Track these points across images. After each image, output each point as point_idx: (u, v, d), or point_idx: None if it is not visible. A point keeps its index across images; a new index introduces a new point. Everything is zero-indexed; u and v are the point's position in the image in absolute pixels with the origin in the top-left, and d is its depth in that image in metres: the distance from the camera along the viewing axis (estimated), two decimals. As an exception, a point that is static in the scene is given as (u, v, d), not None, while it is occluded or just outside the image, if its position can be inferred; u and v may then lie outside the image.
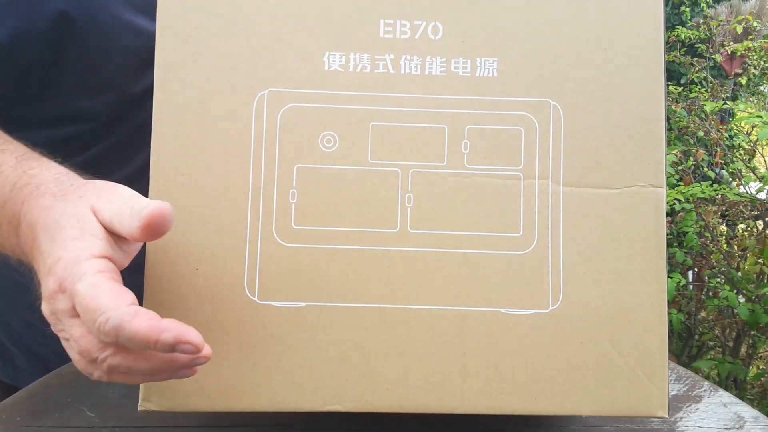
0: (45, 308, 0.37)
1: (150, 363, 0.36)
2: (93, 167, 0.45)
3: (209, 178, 0.43)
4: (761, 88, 2.69)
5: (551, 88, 0.44)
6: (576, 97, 0.44)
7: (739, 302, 1.01)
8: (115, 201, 0.37)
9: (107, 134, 0.65)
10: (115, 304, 0.34)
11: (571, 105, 0.44)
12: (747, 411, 0.60)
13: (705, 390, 0.64)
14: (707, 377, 1.03)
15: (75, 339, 0.36)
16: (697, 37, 2.74)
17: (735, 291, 1.04)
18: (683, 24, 3.50)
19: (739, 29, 2.67)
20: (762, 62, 2.41)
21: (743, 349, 1.07)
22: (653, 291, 0.43)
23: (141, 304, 0.36)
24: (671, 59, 2.34)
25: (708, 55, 2.66)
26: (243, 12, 0.44)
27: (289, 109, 0.44)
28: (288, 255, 0.42)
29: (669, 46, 3.01)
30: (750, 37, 2.68)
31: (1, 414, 0.59)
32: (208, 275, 0.42)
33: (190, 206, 0.43)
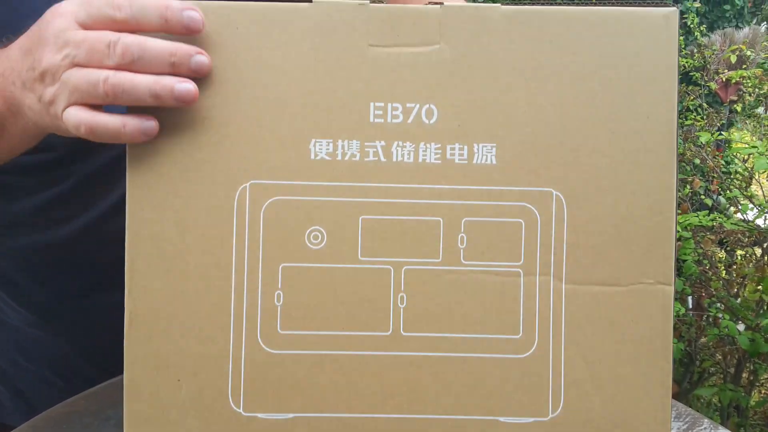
0: (47, 58, 0.38)
1: (161, 47, 0.38)
2: (76, 197, 0.44)
3: (188, 281, 0.40)
4: (757, 110, 2.68)
5: (553, 177, 0.41)
6: (580, 186, 0.41)
7: (739, 331, 1.00)
8: None
9: (77, 162, 0.62)
10: None
11: (575, 195, 0.41)
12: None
13: (705, 428, 0.63)
14: (709, 404, 1.03)
15: (82, 40, 0.38)
16: (691, 65, 2.74)
17: (735, 319, 1.03)
18: (677, 52, 3.55)
19: (733, 59, 2.68)
20: (757, 90, 2.38)
21: (745, 376, 1.07)
22: (657, 396, 0.41)
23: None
24: None
25: (703, 83, 2.65)
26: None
27: (273, 203, 0.41)
28: (274, 362, 0.40)
29: None
30: (744, 66, 2.67)
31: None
32: (191, 386, 0.40)
33: (169, 312, 0.40)
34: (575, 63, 0.41)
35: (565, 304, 0.41)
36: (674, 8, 0.41)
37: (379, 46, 0.41)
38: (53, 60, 0.39)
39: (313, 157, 0.41)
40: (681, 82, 2.70)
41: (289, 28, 0.40)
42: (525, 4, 0.41)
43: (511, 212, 0.41)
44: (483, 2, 0.42)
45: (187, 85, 0.39)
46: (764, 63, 2.89)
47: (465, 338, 0.41)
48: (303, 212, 0.41)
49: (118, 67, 0.39)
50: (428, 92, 0.41)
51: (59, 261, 0.65)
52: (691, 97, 2.40)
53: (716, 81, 2.71)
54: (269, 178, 0.41)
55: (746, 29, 3.67)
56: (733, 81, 2.62)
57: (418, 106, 0.41)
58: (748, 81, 2.39)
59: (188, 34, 0.39)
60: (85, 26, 0.39)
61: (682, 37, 3.67)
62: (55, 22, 0.39)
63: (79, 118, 0.40)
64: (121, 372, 0.53)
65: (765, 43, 3.29)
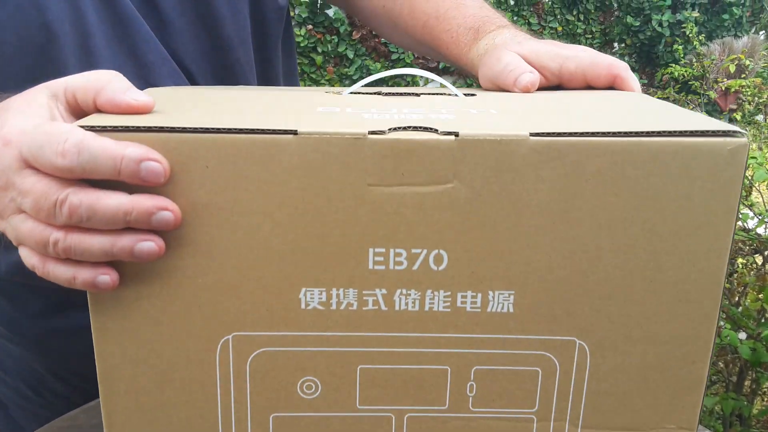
0: None
1: (114, 208, 0.32)
2: None
3: (172, 437, 0.37)
4: (757, 117, 2.57)
5: (578, 326, 0.36)
6: (607, 336, 0.36)
7: (741, 341, 0.97)
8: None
9: None
10: (73, 127, 0.32)
11: (601, 344, 0.36)
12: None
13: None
14: (711, 413, 1.03)
15: (27, 191, 0.32)
16: (690, 74, 2.68)
17: (736, 328, 0.99)
18: (676, 62, 3.46)
19: (732, 68, 2.58)
20: (756, 98, 2.31)
21: (747, 385, 1.05)
22: None
23: None
24: (665, 96, 2.27)
25: (702, 92, 2.61)
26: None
27: (260, 354, 0.36)
28: None
29: (663, 84, 2.95)
30: (743, 75, 2.61)
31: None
32: None
33: (154, 469, 0.37)
34: (615, 204, 0.34)
35: (579, 450, 0.38)
36: (743, 139, 0.33)
37: (380, 186, 0.33)
38: None
39: (303, 306, 0.36)
40: (680, 91, 2.67)
41: (270, 166, 0.33)
42: (559, 135, 0.33)
43: (528, 360, 0.37)
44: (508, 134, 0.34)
45: (148, 244, 0.33)
46: (763, 72, 2.89)
47: None
48: (294, 363, 0.36)
49: (68, 228, 0.32)
50: (437, 237, 0.34)
51: (29, 279, 0.60)
52: (691, 106, 2.36)
53: (715, 90, 2.75)
54: (254, 330, 0.36)
55: (745, 38, 3.59)
56: (732, 90, 2.57)
57: (425, 251, 0.35)
58: (747, 90, 2.33)
59: (148, 185, 0.32)
60: (30, 165, 0.33)
61: (680, 47, 3.51)
62: (2, 152, 0.33)
63: (29, 262, 0.34)
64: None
65: (763, 52, 3.22)
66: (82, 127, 0.32)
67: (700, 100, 2.59)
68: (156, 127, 0.32)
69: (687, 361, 0.37)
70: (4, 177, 0.33)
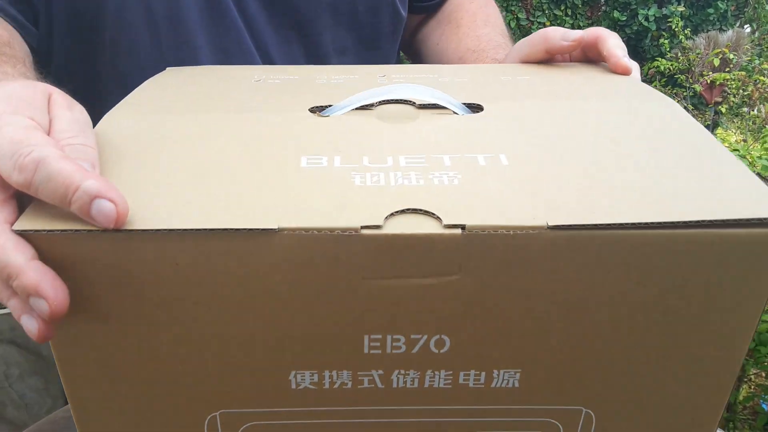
0: None
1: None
2: None
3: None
4: (743, 109, 2.52)
5: (586, 396, 0.34)
6: (616, 405, 0.34)
7: None
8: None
9: None
10: (44, 142, 0.29)
11: (608, 412, 0.35)
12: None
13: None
14: None
15: None
16: (676, 68, 2.68)
17: None
18: (663, 56, 3.49)
19: (716, 62, 2.54)
20: (741, 91, 2.31)
21: None
22: None
23: None
24: None
25: (688, 85, 2.62)
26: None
27: (251, 427, 0.34)
28: None
29: (649, 78, 2.83)
30: (728, 68, 2.58)
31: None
32: None
33: None
34: (636, 293, 0.30)
35: (578, 495, 0.38)
36: (787, 228, 0.29)
37: (376, 279, 0.30)
38: None
39: (294, 387, 0.33)
40: (666, 84, 2.66)
41: (249, 263, 0.29)
42: (582, 228, 0.28)
43: (531, 426, 0.35)
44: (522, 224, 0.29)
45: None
46: (747, 65, 2.83)
47: None
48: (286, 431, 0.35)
49: None
50: (439, 324, 0.31)
51: None
52: (677, 99, 2.35)
53: (701, 83, 2.66)
54: (242, 408, 0.34)
55: (730, 32, 3.45)
56: (718, 83, 2.51)
57: (425, 337, 0.32)
58: (732, 83, 2.34)
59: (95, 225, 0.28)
60: None
61: (666, 41, 3.47)
62: None
63: None
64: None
65: (747, 45, 3.19)
66: (21, 231, 0.28)
67: (685, 93, 2.62)
68: (111, 229, 0.28)
69: (695, 424, 0.35)
70: None
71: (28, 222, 0.28)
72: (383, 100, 0.40)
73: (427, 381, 0.33)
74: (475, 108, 0.40)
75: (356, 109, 0.39)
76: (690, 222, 0.29)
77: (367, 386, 0.33)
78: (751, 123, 2.46)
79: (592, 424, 0.35)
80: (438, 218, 0.29)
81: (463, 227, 0.28)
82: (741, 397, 1.06)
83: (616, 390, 0.34)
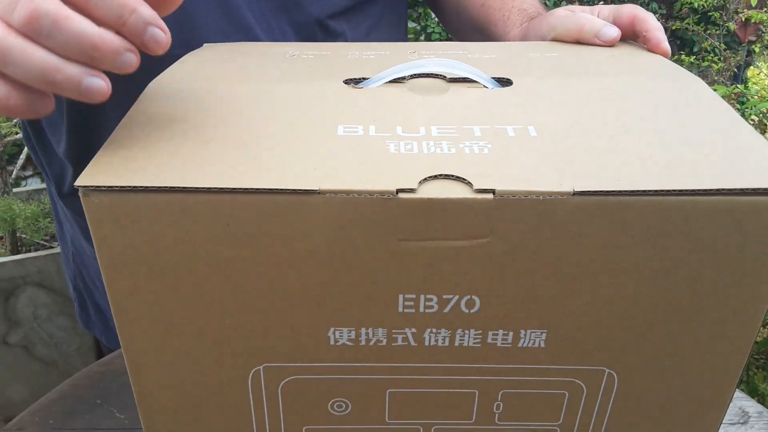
0: None
1: (81, 32, 0.29)
2: None
3: (211, 449, 0.39)
4: None
5: (609, 357, 0.36)
6: (637, 366, 0.36)
7: None
8: None
9: None
10: None
11: (630, 372, 0.36)
12: (752, 406, 0.64)
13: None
14: None
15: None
16: (710, 4, 2.49)
17: None
18: None
19: (753, 1, 2.34)
20: None
21: None
22: None
23: None
24: (683, 27, 2.18)
25: (722, 23, 2.48)
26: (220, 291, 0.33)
27: (291, 381, 0.37)
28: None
29: (681, 15, 2.70)
30: (765, 8, 2.42)
31: (33, 416, 0.64)
32: None
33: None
34: (660, 257, 0.32)
35: (599, 454, 0.40)
36: (808, 195, 0.30)
37: (411, 241, 0.32)
38: None
39: (333, 343, 0.35)
40: (698, 22, 2.51)
41: (293, 222, 0.31)
42: (606, 194, 0.30)
43: (555, 385, 0.37)
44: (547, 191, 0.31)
45: (98, 82, 0.30)
46: None
47: None
48: (325, 387, 0.37)
49: (20, 33, 0.29)
50: (470, 284, 0.33)
51: None
52: (708, 41, 2.30)
53: (735, 21, 2.48)
54: (284, 361, 0.36)
55: None
56: (753, 21, 2.36)
57: (456, 297, 0.34)
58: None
59: (145, 50, 0.31)
60: None
61: None
62: None
63: None
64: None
65: None
66: (85, 186, 0.30)
67: (718, 32, 2.49)
68: (169, 187, 0.30)
69: (714, 386, 0.37)
70: None
71: (89, 178, 0.30)
72: (415, 74, 0.41)
73: (457, 340, 0.35)
74: (504, 82, 0.41)
75: (389, 82, 0.41)
76: (711, 190, 0.30)
77: (400, 344, 0.35)
78: None
79: (615, 385, 0.37)
80: (469, 183, 0.31)
81: (493, 192, 0.30)
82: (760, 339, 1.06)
83: (638, 352, 0.35)
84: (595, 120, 0.36)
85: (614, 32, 0.48)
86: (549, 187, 0.30)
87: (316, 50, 0.48)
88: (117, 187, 0.30)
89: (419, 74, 0.41)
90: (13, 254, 1.26)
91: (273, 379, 0.37)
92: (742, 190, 0.30)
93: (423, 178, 0.31)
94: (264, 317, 0.34)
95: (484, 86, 0.40)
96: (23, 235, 1.29)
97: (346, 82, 0.41)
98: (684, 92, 0.40)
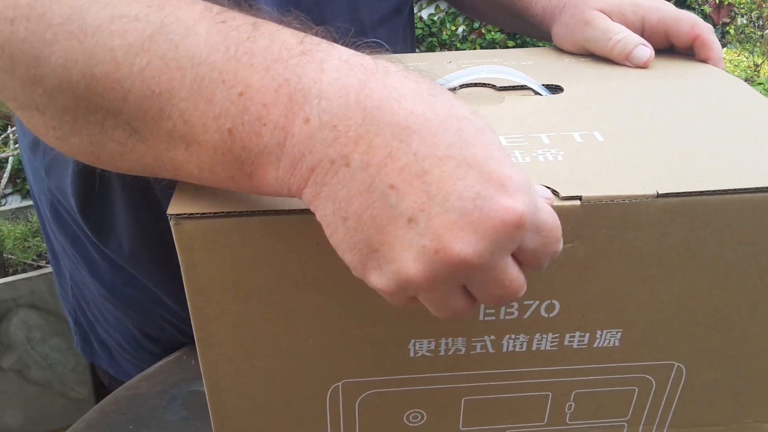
0: (445, 262, 0.25)
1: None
2: None
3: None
4: (749, 29, 2.43)
5: (680, 352, 0.37)
6: (704, 357, 0.37)
7: None
8: None
9: None
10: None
11: (697, 364, 0.37)
12: None
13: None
14: None
15: (503, 287, 0.27)
16: None
17: None
18: None
19: None
20: (751, 12, 2.25)
21: None
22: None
23: None
24: None
25: (697, 6, 2.53)
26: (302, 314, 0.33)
27: (369, 396, 0.37)
28: None
29: None
30: None
31: (67, 448, 0.63)
32: None
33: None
34: (735, 251, 0.33)
35: (665, 444, 0.41)
36: None
37: (497, 250, 0.32)
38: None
39: (412, 355, 0.36)
40: (675, 4, 2.48)
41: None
42: (689, 195, 0.31)
43: (626, 382, 0.38)
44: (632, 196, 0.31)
45: None
46: None
47: None
48: (402, 399, 0.37)
49: None
50: (551, 290, 0.34)
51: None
52: None
53: (709, 4, 2.54)
54: (363, 377, 0.36)
55: None
56: (726, 3, 2.44)
57: (537, 302, 0.34)
58: (742, 5, 2.29)
59: None
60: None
61: None
62: (509, 231, 0.25)
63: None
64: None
65: None
66: (176, 215, 0.30)
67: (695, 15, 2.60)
68: (261, 210, 0.30)
69: (776, 372, 0.38)
70: (492, 259, 0.25)
71: (179, 207, 0.30)
72: (464, 84, 0.42)
73: (535, 344, 0.36)
74: (553, 88, 0.42)
75: None
76: None
77: (479, 351, 0.36)
78: (761, 45, 2.42)
79: (683, 377, 0.38)
80: (555, 191, 0.31)
81: (580, 198, 0.31)
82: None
83: (706, 344, 0.37)
84: (654, 122, 0.37)
85: (646, 55, 0.45)
86: (633, 191, 0.31)
87: None
88: (210, 213, 0.30)
89: (468, 84, 0.42)
90: (0, 276, 1.23)
91: (351, 394, 0.37)
92: (816, 184, 0.31)
93: None
94: (346, 335, 0.34)
95: (537, 93, 0.41)
96: (10, 256, 1.26)
97: None
98: (731, 93, 0.41)
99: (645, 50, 0.45)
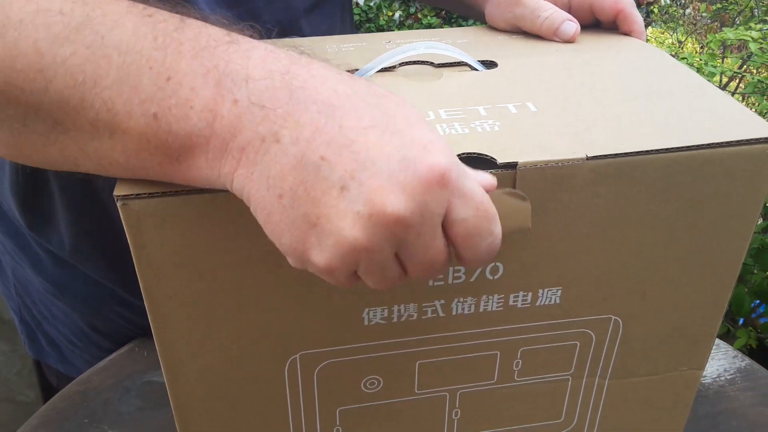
0: (380, 222, 0.26)
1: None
2: None
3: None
4: (673, 8, 2.53)
5: (616, 306, 0.39)
6: (639, 311, 0.40)
7: None
8: None
9: None
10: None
11: (633, 317, 0.40)
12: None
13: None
14: None
15: (433, 255, 0.28)
16: None
17: None
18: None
19: None
20: None
21: None
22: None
23: None
24: None
25: None
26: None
27: (326, 365, 0.38)
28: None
29: None
30: None
31: (22, 444, 0.62)
32: None
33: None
34: (663, 209, 0.35)
35: (605, 394, 0.44)
36: (782, 141, 0.34)
37: (442, 217, 0.33)
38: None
39: (367, 323, 0.37)
40: None
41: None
42: (616, 156, 0.33)
43: (568, 337, 0.40)
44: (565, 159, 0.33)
45: None
46: None
47: (512, 429, 0.44)
48: (358, 367, 0.39)
49: None
50: (495, 252, 0.35)
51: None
52: None
53: None
54: (319, 347, 0.37)
55: None
56: None
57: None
58: None
59: None
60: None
61: None
62: (432, 190, 0.26)
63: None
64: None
65: None
66: (123, 196, 0.30)
67: None
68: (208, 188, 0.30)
69: (704, 320, 0.41)
70: (422, 221, 0.27)
71: (125, 188, 0.30)
72: (403, 62, 0.43)
73: (482, 306, 0.38)
74: (488, 64, 0.44)
75: (379, 71, 0.42)
76: (704, 144, 0.34)
77: (430, 316, 0.37)
78: (684, 24, 2.53)
79: (620, 330, 0.41)
80: (493, 159, 0.33)
81: (515, 165, 0.33)
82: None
83: (639, 297, 0.39)
84: (582, 91, 0.39)
85: (572, 30, 0.47)
86: (564, 155, 0.33)
87: (295, 45, 0.48)
88: (157, 192, 0.30)
89: (408, 61, 0.43)
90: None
91: (309, 365, 0.38)
92: (728, 142, 0.34)
93: None
94: (302, 307, 0.35)
95: (473, 68, 0.42)
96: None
97: None
98: (652, 62, 0.43)
99: (571, 25, 0.47)
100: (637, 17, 0.48)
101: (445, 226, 0.28)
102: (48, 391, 1.32)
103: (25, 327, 0.76)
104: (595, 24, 0.51)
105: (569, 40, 0.47)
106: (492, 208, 0.29)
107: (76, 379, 0.67)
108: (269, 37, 0.31)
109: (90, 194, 0.54)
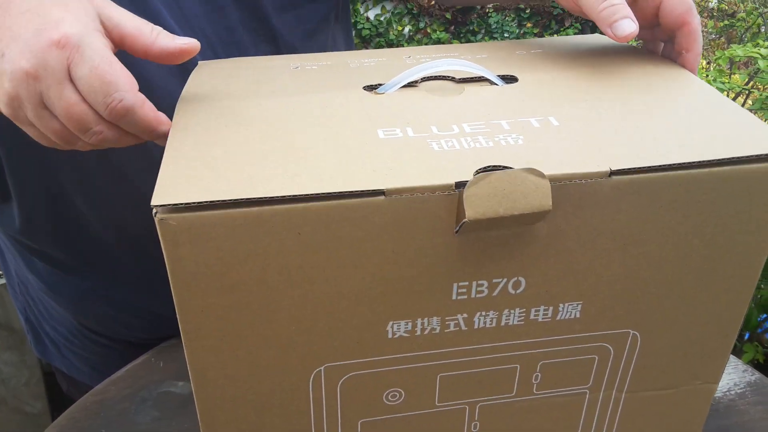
0: (18, 77, 0.36)
1: (134, 138, 0.39)
2: None
3: (272, 452, 0.40)
4: None
5: (635, 320, 0.40)
6: (657, 325, 0.40)
7: None
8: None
9: None
10: (130, 86, 0.36)
11: (651, 331, 0.41)
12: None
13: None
14: None
15: (66, 107, 0.36)
16: None
17: None
18: None
19: None
20: None
21: None
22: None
23: None
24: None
25: None
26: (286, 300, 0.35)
27: (350, 378, 0.39)
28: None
29: None
30: None
31: (41, 455, 0.62)
32: None
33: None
34: (683, 224, 0.36)
35: (622, 407, 0.44)
36: (801, 160, 0.35)
37: (467, 232, 0.34)
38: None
39: (390, 336, 0.37)
40: None
41: (362, 225, 0.33)
42: (639, 172, 0.34)
43: (587, 351, 0.41)
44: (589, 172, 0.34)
45: None
46: None
47: None
48: (380, 379, 0.39)
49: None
50: (518, 267, 0.36)
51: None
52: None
53: None
54: (344, 360, 0.38)
55: None
56: None
57: (505, 280, 0.36)
58: None
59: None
60: (74, 82, 0.36)
61: None
62: (51, 52, 0.35)
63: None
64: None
65: None
66: (162, 206, 0.31)
67: None
68: (246, 200, 0.31)
69: (720, 334, 0.42)
70: (46, 74, 0.35)
71: (163, 197, 0.31)
72: (425, 77, 0.44)
73: (504, 320, 0.38)
74: (509, 79, 0.44)
75: (402, 87, 0.43)
76: (725, 160, 0.34)
77: (452, 330, 0.38)
78: None
79: (638, 344, 0.41)
80: None
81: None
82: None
83: (658, 311, 0.40)
84: (604, 107, 0.40)
85: (629, 29, 0.42)
86: (587, 169, 0.34)
87: (315, 61, 0.49)
88: (194, 203, 0.31)
89: (430, 77, 0.44)
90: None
91: (333, 377, 0.38)
92: (748, 157, 0.35)
93: (476, 171, 0.33)
94: (328, 320, 0.36)
95: (493, 83, 0.43)
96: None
97: (365, 89, 0.43)
98: (672, 77, 0.44)
99: (630, 24, 0.42)
100: (700, 38, 0.45)
101: (76, 84, 0.36)
102: (55, 402, 1.32)
103: (30, 326, 0.77)
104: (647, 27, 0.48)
105: (621, 39, 0.43)
106: (110, 72, 0.35)
107: (92, 389, 0.67)
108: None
109: (41, 171, 0.57)
